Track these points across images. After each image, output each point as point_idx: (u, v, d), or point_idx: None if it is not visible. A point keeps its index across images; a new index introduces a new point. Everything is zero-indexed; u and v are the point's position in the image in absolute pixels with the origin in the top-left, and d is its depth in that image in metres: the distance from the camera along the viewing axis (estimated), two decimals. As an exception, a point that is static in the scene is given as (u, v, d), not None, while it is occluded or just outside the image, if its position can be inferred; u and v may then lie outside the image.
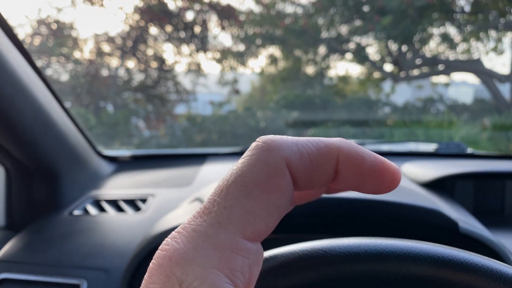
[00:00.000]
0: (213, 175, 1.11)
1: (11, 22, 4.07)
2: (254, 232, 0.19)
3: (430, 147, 1.38)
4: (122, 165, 1.22)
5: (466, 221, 0.70)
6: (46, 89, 0.85)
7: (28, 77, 0.77)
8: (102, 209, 0.93)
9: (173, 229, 0.65)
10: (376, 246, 0.32)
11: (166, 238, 0.19)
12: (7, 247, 0.78)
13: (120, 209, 0.92)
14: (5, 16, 0.72)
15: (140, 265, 0.67)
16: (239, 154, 1.33)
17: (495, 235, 0.78)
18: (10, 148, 0.80)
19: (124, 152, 1.29)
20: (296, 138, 0.21)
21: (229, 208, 0.19)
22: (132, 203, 0.95)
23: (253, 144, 0.21)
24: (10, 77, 0.70)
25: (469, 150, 1.37)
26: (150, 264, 0.19)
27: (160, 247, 0.19)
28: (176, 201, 0.91)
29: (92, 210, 0.91)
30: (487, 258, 0.32)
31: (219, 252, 0.18)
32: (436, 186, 0.98)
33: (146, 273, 0.18)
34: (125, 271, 0.68)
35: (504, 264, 0.31)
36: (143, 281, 0.18)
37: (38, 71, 0.83)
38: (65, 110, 0.93)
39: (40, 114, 0.80)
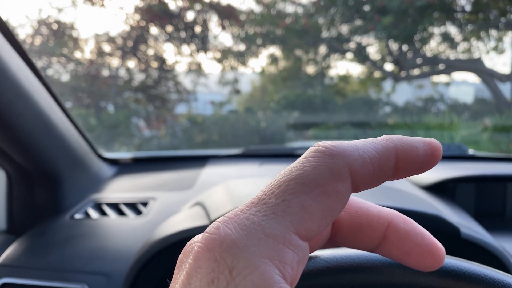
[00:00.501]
0: (214, 178, 1.10)
1: (12, 22, 4.08)
2: (306, 230, 0.19)
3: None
4: (123, 167, 1.22)
5: (468, 226, 0.70)
6: (46, 92, 0.85)
7: (29, 81, 0.77)
8: (103, 213, 0.92)
9: (174, 234, 0.65)
10: (379, 256, 0.32)
11: (215, 222, 0.19)
12: (8, 251, 0.78)
13: (121, 213, 0.92)
14: (5, 19, 0.72)
15: (141, 270, 0.67)
16: (240, 156, 1.33)
17: (497, 238, 0.78)
18: (11, 152, 0.80)
19: (125, 154, 1.29)
20: (354, 142, 0.21)
21: (287, 202, 0.19)
22: (133, 206, 0.95)
23: (313, 148, 0.21)
24: (11, 83, 0.70)
25: (470, 152, 1.37)
26: (195, 247, 0.18)
27: (208, 230, 0.18)
28: (177, 204, 0.91)
29: (93, 213, 0.91)
30: (489, 268, 0.32)
31: (272, 242, 0.18)
32: (437, 189, 0.98)
33: (191, 257, 0.18)
34: (126, 276, 0.68)
35: (506, 274, 0.31)
36: (187, 265, 0.18)
37: (39, 75, 0.83)
38: (66, 113, 0.93)
39: (41, 118, 0.80)
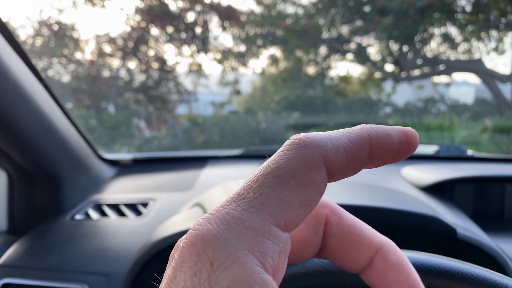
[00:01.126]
0: (214, 179, 1.11)
1: (13, 23, 4.09)
2: (285, 221, 0.19)
3: (430, 149, 1.38)
4: (123, 168, 1.23)
5: (465, 226, 0.70)
6: (47, 94, 0.85)
7: (29, 83, 0.77)
8: (103, 214, 0.93)
9: (174, 235, 0.66)
10: None
11: (199, 219, 0.19)
12: (9, 252, 0.79)
13: (121, 214, 0.93)
14: (6, 20, 0.73)
15: (141, 271, 0.67)
16: (240, 157, 1.34)
17: (494, 239, 0.78)
18: (12, 154, 0.81)
19: (125, 156, 1.30)
20: (328, 133, 0.22)
21: (265, 195, 0.19)
22: (133, 207, 0.96)
23: (288, 142, 0.21)
24: (12, 85, 0.71)
25: (469, 152, 1.37)
26: (181, 243, 0.19)
27: (192, 226, 0.19)
28: (177, 205, 0.91)
29: (94, 214, 0.92)
30: (482, 268, 0.32)
31: (251, 235, 0.18)
32: (436, 190, 0.98)
33: (177, 253, 0.18)
34: (126, 276, 0.68)
35: (499, 274, 0.32)
36: (173, 261, 0.18)
37: (39, 76, 0.83)
38: (66, 115, 0.93)
39: (42, 120, 0.81)
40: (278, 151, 0.21)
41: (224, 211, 0.19)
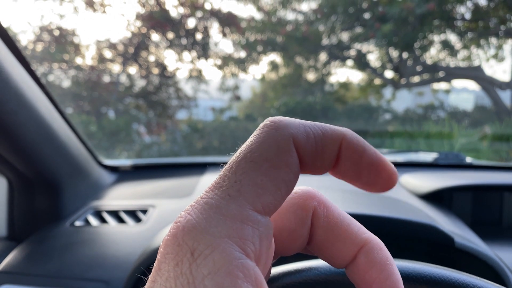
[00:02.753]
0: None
1: (14, 29, 4.10)
2: (263, 205, 0.19)
3: (429, 157, 1.39)
4: (123, 175, 1.23)
5: (463, 235, 0.70)
6: (47, 100, 0.86)
7: (30, 90, 0.78)
8: (103, 220, 0.93)
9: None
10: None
11: (180, 212, 0.20)
12: (8, 258, 0.79)
13: (121, 220, 0.93)
14: (7, 26, 0.73)
15: (140, 278, 0.67)
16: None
17: (493, 247, 0.79)
18: (12, 160, 0.81)
19: (125, 162, 1.30)
20: (303, 120, 0.22)
21: (239, 182, 0.19)
22: (133, 214, 0.96)
23: (262, 124, 0.22)
24: (14, 93, 0.71)
25: (468, 160, 1.38)
26: (165, 236, 0.19)
27: (175, 220, 0.19)
28: (177, 212, 0.92)
29: (93, 221, 0.92)
30: (475, 277, 0.33)
31: (229, 222, 0.18)
32: (434, 198, 0.99)
33: (161, 246, 0.19)
34: (125, 283, 0.69)
35: (494, 284, 0.32)
36: (159, 254, 0.19)
37: (40, 83, 0.84)
38: (67, 121, 0.94)
39: (42, 126, 0.81)
40: (253, 133, 0.22)
41: (203, 201, 0.19)
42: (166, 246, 0.18)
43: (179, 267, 0.17)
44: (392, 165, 0.22)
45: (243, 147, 0.21)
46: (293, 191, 0.25)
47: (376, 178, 0.22)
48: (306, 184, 0.28)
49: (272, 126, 0.21)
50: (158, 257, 0.19)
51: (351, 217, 0.25)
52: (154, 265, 0.19)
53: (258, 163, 0.20)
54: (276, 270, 0.33)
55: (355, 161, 0.22)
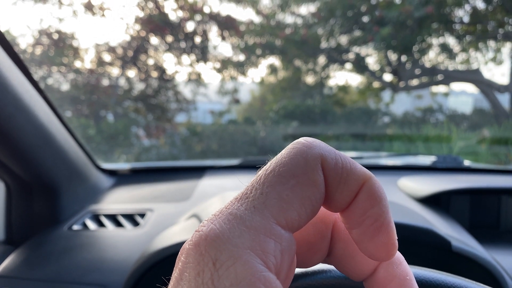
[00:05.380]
0: (211, 189, 1.11)
1: (13, 32, 4.10)
2: (287, 220, 0.19)
3: (428, 160, 1.39)
4: (121, 178, 1.23)
5: (460, 239, 0.70)
6: (46, 105, 0.86)
7: (28, 95, 0.78)
8: (101, 224, 0.93)
9: (169, 246, 0.66)
10: None
11: (203, 220, 0.20)
12: (6, 262, 0.79)
13: (119, 224, 0.93)
14: (6, 31, 0.73)
15: (137, 282, 0.67)
16: (237, 167, 1.34)
17: (490, 251, 0.79)
18: (10, 164, 0.81)
19: (123, 165, 1.30)
20: (336, 150, 0.22)
21: (265, 195, 0.19)
22: (130, 217, 0.96)
23: (295, 141, 0.22)
24: (12, 97, 0.71)
25: (467, 163, 1.38)
26: (186, 245, 0.19)
27: (197, 228, 0.19)
28: (174, 216, 0.92)
29: (91, 225, 0.92)
30: (471, 281, 0.33)
31: (253, 234, 0.18)
32: (432, 201, 0.99)
33: (183, 255, 0.19)
34: (123, 287, 0.69)
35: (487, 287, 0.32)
36: (179, 263, 0.19)
37: (38, 88, 0.84)
38: (65, 125, 0.94)
39: (41, 131, 0.82)
40: (282, 151, 0.22)
41: (227, 211, 0.19)
42: (188, 255, 0.18)
43: (201, 277, 0.17)
44: (395, 238, 0.22)
45: (273, 160, 0.21)
46: None
47: (372, 235, 0.21)
48: None
49: (304, 144, 0.21)
50: (179, 265, 0.19)
51: None
52: (175, 273, 0.19)
53: (286, 178, 0.20)
54: None
55: (364, 208, 0.21)
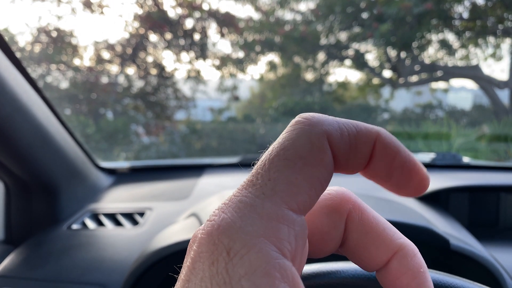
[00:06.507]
0: (211, 188, 1.11)
1: (12, 30, 4.09)
2: (298, 204, 0.19)
3: (427, 157, 1.39)
4: (121, 177, 1.23)
5: (458, 237, 0.71)
6: (44, 104, 0.86)
7: (27, 94, 0.78)
8: (100, 223, 0.93)
9: (169, 246, 0.66)
10: (358, 272, 0.33)
11: (214, 210, 0.19)
12: (6, 261, 0.79)
13: (118, 223, 0.93)
14: (3, 29, 0.73)
15: (137, 281, 0.67)
16: (237, 165, 1.34)
17: (489, 248, 0.79)
18: (9, 164, 0.81)
19: (122, 164, 1.30)
20: (336, 118, 0.21)
21: (273, 180, 0.19)
22: (130, 216, 0.96)
23: (294, 120, 0.21)
24: (10, 97, 0.71)
25: (466, 160, 1.38)
26: (198, 235, 0.19)
27: (208, 218, 0.19)
28: (174, 215, 0.92)
29: (91, 224, 0.92)
30: (469, 281, 0.33)
31: (265, 221, 0.18)
32: (431, 198, 0.99)
33: (195, 244, 0.18)
34: (122, 287, 0.69)
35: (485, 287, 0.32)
36: (191, 251, 0.18)
37: (36, 87, 0.84)
38: (63, 124, 0.94)
39: (39, 130, 0.82)
40: (284, 130, 0.21)
41: (237, 199, 0.19)
42: (201, 244, 0.18)
43: (215, 266, 0.17)
44: (425, 170, 0.22)
45: (275, 144, 0.21)
46: (327, 191, 0.24)
47: (407, 181, 0.21)
48: None
49: (305, 122, 0.21)
50: (191, 254, 0.18)
51: (386, 221, 0.24)
52: (187, 262, 0.18)
53: (292, 161, 0.19)
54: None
55: (387, 162, 0.21)
